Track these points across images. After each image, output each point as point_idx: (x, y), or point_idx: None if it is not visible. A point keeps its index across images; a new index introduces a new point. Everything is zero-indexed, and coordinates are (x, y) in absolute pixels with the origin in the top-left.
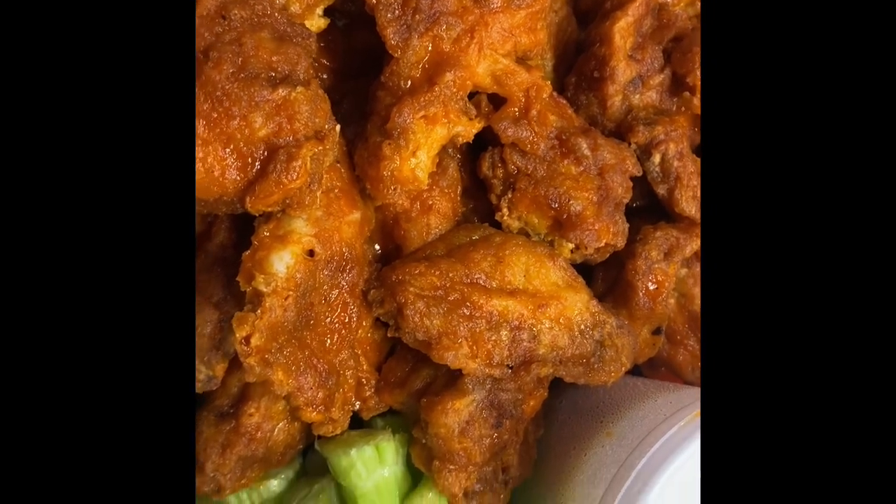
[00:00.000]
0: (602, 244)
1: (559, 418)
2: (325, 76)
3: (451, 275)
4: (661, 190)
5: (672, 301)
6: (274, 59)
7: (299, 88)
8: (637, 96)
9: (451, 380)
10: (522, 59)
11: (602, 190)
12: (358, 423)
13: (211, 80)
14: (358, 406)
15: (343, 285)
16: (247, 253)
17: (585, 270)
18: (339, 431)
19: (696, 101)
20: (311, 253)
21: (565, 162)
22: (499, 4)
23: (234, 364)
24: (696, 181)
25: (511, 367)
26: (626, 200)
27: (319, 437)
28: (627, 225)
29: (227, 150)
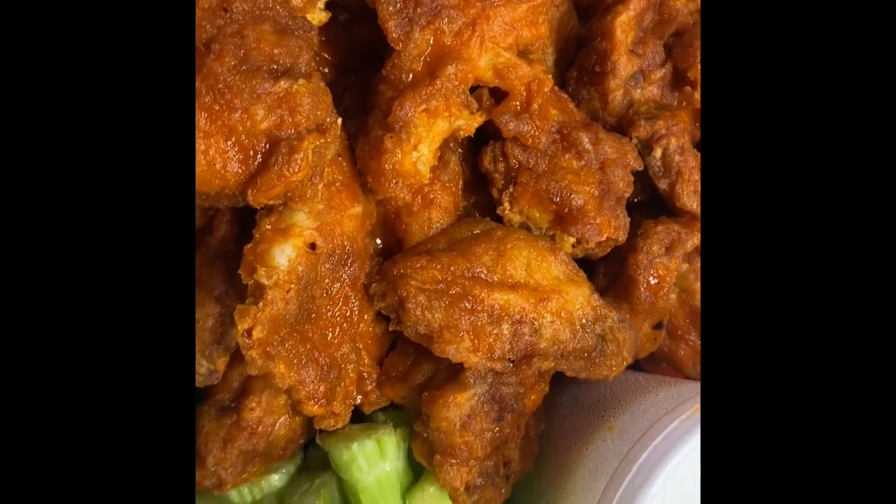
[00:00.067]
0: (603, 238)
1: (560, 413)
2: (326, 70)
3: (452, 268)
4: (662, 184)
5: (673, 296)
6: (276, 51)
7: (301, 81)
8: (638, 91)
9: (453, 374)
10: (524, 53)
11: (603, 184)
12: (359, 417)
13: (213, 73)
14: (359, 400)
15: (344, 279)
16: (248, 246)
17: (587, 265)
18: (340, 425)
19: (698, 95)
20: (312, 246)
21: (567, 156)
22: None
23: (236, 358)
24: (697, 176)
25: (512, 361)
26: (627, 195)
27: (321, 431)
28: (629, 219)
29: (229, 142)
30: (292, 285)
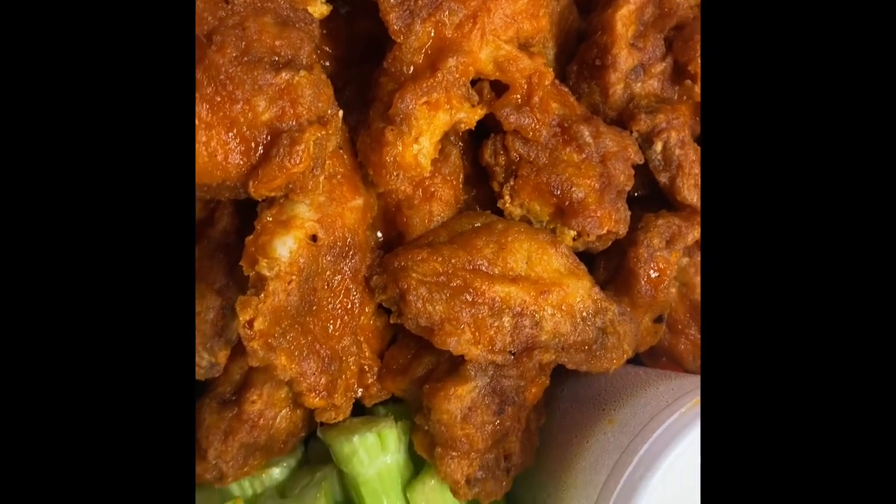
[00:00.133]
0: (604, 231)
1: (561, 407)
2: (327, 63)
3: (453, 261)
4: (662, 178)
5: (673, 290)
6: (277, 43)
7: (302, 73)
8: (639, 84)
9: (454, 366)
10: (524, 47)
11: (604, 177)
12: (360, 410)
13: (214, 64)
14: (360, 393)
15: (346, 271)
16: (250, 237)
17: (587, 259)
18: (341, 418)
19: (698, 89)
20: (314, 238)
21: (567, 149)
22: None
23: (237, 351)
24: (697, 169)
25: (513, 354)
26: (627, 188)
27: (322, 424)
28: (629, 212)
29: (231, 133)
30: (294, 277)
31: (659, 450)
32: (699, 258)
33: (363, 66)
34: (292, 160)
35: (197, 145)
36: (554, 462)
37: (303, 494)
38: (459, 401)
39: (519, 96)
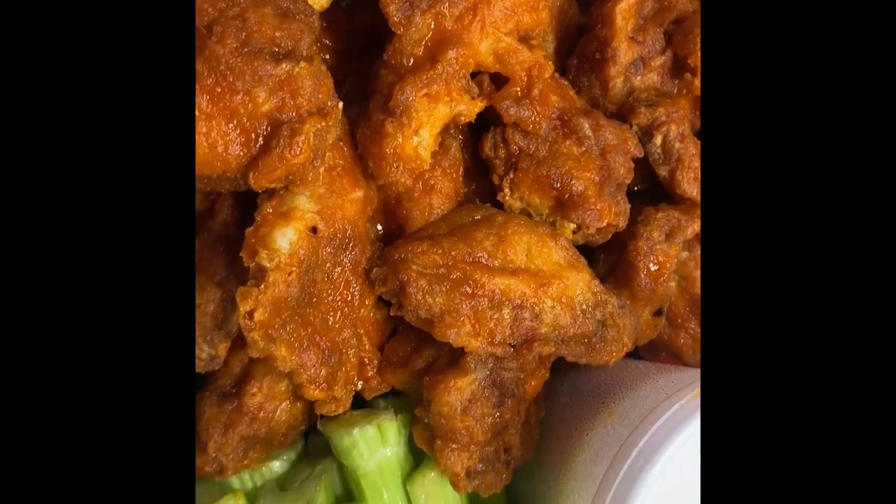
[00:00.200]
0: (604, 224)
1: (560, 400)
2: (327, 56)
3: (453, 253)
4: (662, 171)
5: (673, 284)
6: (277, 34)
7: (302, 64)
8: (638, 78)
9: (454, 359)
10: (524, 39)
11: (604, 170)
12: (360, 404)
13: (214, 55)
14: (360, 386)
15: (346, 263)
16: (250, 229)
17: (587, 252)
18: (341, 411)
19: (698, 82)
20: (314, 230)
21: (567, 142)
22: None
23: (237, 344)
24: (697, 163)
25: (513, 346)
26: (627, 181)
27: (321, 416)
28: (629, 205)
29: (231, 124)
30: (294, 268)
31: (659, 441)
32: (699, 252)
33: (363, 59)
34: (292, 151)
35: (197, 136)
36: (554, 455)
37: (303, 487)
38: (459, 393)
39: (519, 89)
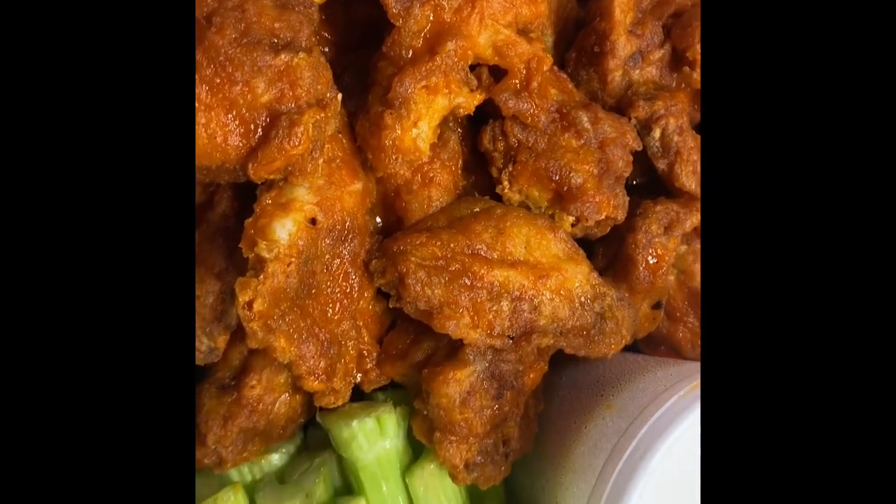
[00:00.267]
0: (602, 217)
1: (559, 394)
2: (326, 49)
3: (452, 245)
4: (661, 165)
5: (672, 278)
6: (276, 25)
7: (301, 55)
8: (637, 71)
9: (452, 351)
10: (523, 32)
11: (602, 163)
12: (359, 396)
13: (214, 45)
14: (359, 378)
15: (345, 255)
16: (249, 220)
17: (586, 246)
18: (340, 403)
19: (696, 76)
20: (313, 221)
21: (566, 135)
22: None
23: (236, 336)
24: (696, 156)
25: (512, 338)
26: (626, 174)
27: (320, 409)
28: (628, 198)
29: (230, 115)
30: (293, 259)
31: (657, 432)
32: (697, 245)
33: (361, 52)
34: (291, 142)
35: (196, 127)
36: (553, 447)
37: (302, 480)
38: (458, 385)
39: (517, 81)
